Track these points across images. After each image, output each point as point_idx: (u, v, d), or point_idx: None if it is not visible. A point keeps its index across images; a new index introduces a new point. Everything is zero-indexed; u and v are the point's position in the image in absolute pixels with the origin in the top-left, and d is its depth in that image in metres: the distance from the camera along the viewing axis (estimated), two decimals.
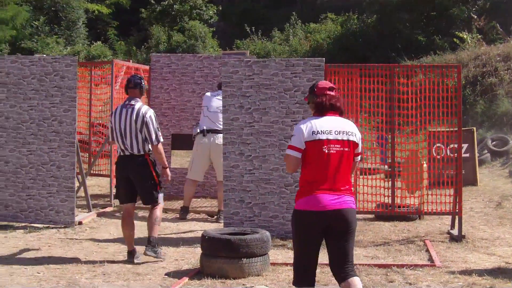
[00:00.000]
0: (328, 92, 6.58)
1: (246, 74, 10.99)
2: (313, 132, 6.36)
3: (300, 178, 6.50)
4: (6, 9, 33.66)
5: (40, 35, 35.05)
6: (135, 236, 9.73)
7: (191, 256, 9.73)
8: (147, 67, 15.86)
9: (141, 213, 13.15)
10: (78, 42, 36.25)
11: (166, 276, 8.69)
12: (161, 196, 9.66)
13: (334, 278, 6.56)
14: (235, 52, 25.41)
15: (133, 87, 9.62)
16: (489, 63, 24.64)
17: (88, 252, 10.07)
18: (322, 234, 6.36)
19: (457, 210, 11.08)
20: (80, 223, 11.96)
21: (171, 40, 35.09)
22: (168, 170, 9.87)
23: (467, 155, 16.74)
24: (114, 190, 13.70)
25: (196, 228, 11.94)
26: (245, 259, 8.53)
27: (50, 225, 11.71)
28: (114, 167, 13.99)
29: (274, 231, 10.49)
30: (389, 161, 11.76)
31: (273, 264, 9.04)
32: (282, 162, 10.35)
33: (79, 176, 13.15)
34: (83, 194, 13.19)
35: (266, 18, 39.55)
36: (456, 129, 11.36)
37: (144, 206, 12.61)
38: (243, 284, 8.28)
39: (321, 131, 6.36)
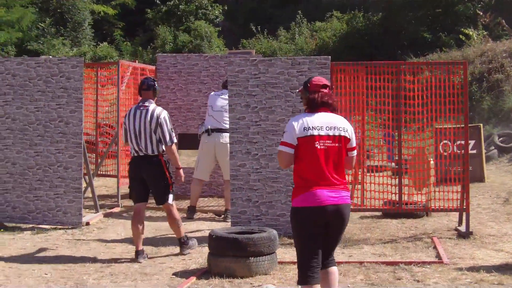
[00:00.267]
0: (322, 90, 6.64)
1: (252, 73, 10.98)
2: (304, 128, 6.44)
3: (294, 174, 6.56)
4: (12, 11, 33.71)
5: (46, 36, 35.12)
6: (146, 236, 9.76)
7: (199, 256, 9.73)
8: (153, 67, 15.88)
9: (147, 213, 13.18)
10: (84, 44, 36.33)
11: (174, 276, 8.70)
12: (171, 196, 9.74)
13: None
14: (241, 52, 25.40)
15: (146, 88, 9.75)
16: (495, 59, 24.64)
17: (96, 252, 10.08)
18: (322, 228, 6.43)
19: (464, 207, 11.05)
20: (87, 223, 11.97)
21: (177, 40, 35.13)
22: (181, 170, 9.95)
23: (474, 151, 16.72)
24: (121, 191, 13.78)
25: (203, 227, 11.93)
26: (252, 258, 8.53)
27: (58, 226, 11.72)
28: (121, 167, 14.05)
29: (281, 230, 10.48)
30: (396, 158, 11.74)
31: (281, 262, 9.03)
32: None
33: (86, 177, 13.16)
34: (90, 195, 13.21)
35: (272, 16, 39.54)
36: (463, 125, 11.34)
37: (151, 206, 12.71)
38: (251, 283, 8.28)
39: (313, 127, 6.44)
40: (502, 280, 8.23)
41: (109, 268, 9.16)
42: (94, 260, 9.58)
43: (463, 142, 11.50)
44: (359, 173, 12.42)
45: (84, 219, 12.01)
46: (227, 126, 12.19)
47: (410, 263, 9.09)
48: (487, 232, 11.14)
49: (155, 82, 9.87)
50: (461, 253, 9.74)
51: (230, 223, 11.24)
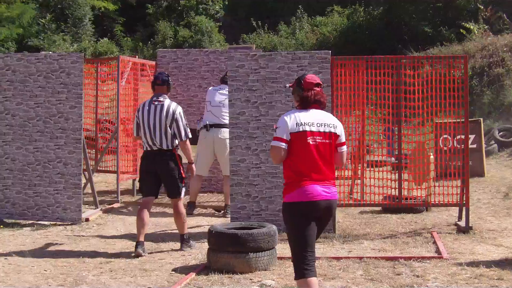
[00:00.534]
0: (315, 88, 6.75)
1: (252, 68, 10.98)
2: (297, 124, 6.54)
3: (284, 170, 6.65)
4: (13, 7, 33.73)
5: (46, 32, 35.13)
6: (146, 232, 9.77)
7: (198, 251, 9.73)
8: (153, 62, 15.86)
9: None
10: (84, 39, 36.31)
11: (173, 272, 8.69)
12: (184, 190, 9.95)
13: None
14: (241, 47, 25.37)
15: (161, 83, 9.96)
16: (496, 53, 24.61)
17: (95, 248, 10.08)
18: (315, 222, 6.51)
19: (464, 202, 11.04)
20: (87, 219, 11.97)
21: (178, 36, 35.13)
22: (194, 165, 10.17)
23: (474, 146, 16.70)
24: (121, 187, 13.77)
25: (203, 223, 11.94)
26: (252, 254, 8.52)
27: (57, 222, 11.73)
28: (120, 163, 14.03)
29: (281, 225, 10.41)
30: (396, 153, 11.72)
31: (280, 258, 9.03)
32: None
33: (86, 173, 13.15)
34: (90, 191, 13.19)
35: (273, 10, 39.49)
36: (463, 120, 11.32)
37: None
38: (250, 279, 8.28)
39: (305, 123, 6.55)
40: (502, 275, 8.22)
41: (109, 264, 9.16)
42: (93, 256, 9.58)
43: (463, 136, 11.49)
44: (359, 168, 12.42)
45: (84, 215, 12.00)
46: (226, 121, 12.20)
47: (409, 258, 9.08)
48: (487, 227, 11.14)
49: (169, 78, 10.09)
50: (461, 248, 9.73)
51: (229, 218, 11.23)
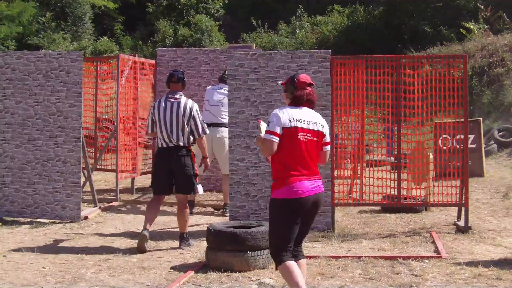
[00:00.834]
0: (307, 88, 7.00)
1: (252, 67, 10.98)
2: (289, 120, 6.78)
3: (273, 163, 6.86)
4: (13, 6, 33.72)
5: (46, 31, 35.09)
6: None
7: (197, 250, 9.74)
8: (153, 61, 15.86)
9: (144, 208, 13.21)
10: (84, 38, 36.28)
11: (172, 270, 8.70)
12: (200, 187, 10.15)
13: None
14: (241, 46, 25.37)
15: (176, 81, 10.18)
16: (495, 53, 24.62)
17: (94, 246, 10.08)
18: (301, 217, 6.78)
19: (463, 201, 11.03)
20: (86, 218, 11.97)
21: (178, 34, 35.11)
22: (207, 160, 10.38)
23: (474, 146, 16.71)
24: (120, 185, 13.77)
25: (202, 221, 11.95)
26: (250, 252, 8.53)
27: (56, 220, 11.73)
28: (120, 162, 14.03)
29: None
30: (395, 152, 11.72)
31: None
32: None
33: (85, 171, 13.15)
34: (89, 189, 13.19)
35: (273, 10, 39.48)
36: (463, 120, 11.32)
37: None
38: (249, 277, 8.28)
39: (296, 119, 6.80)
40: (500, 275, 8.22)
41: (107, 262, 9.16)
42: (92, 254, 9.59)
43: (462, 136, 11.48)
44: (358, 167, 12.41)
45: (83, 213, 12.01)
46: (224, 120, 12.23)
47: (408, 257, 9.08)
48: (486, 227, 11.14)
49: (184, 75, 10.28)
50: (460, 248, 9.73)
51: (228, 217, 11.23)
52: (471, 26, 27.99)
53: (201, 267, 8.71)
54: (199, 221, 11.96)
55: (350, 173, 12.81)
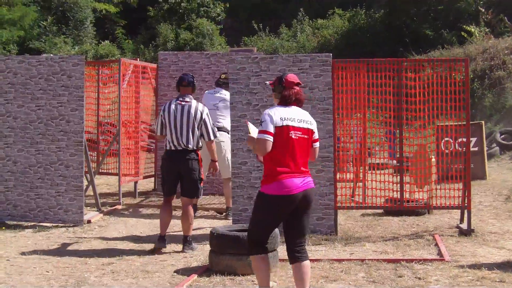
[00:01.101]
0: (295, 87, 7.21)
1: (253, 71, 10.99)
2: (281, 118, 6.95)
3: (265, 162, 7.00)
4: (14, 10, 33.75)
5: (48, 35, 35.16)
6: (148, 234, 9.78)
7: (200, 253, 9.75)
8: (154, 65, 15.88)
9: (149, 211, 13.22)
10: (86, 42, 36.35)
11: (175, 274, 8.70)
12: (201, 191, 10.27)
13: (289, 259, 7.11)
14: (243, 49, 25.37)
15: (186, 85, 10.23)
16: (497, 56, 24.60)
17: (97, 250, 10.08)
18: (288, 213, 6.99)
19: (466, 204, 11.03)
20: (88, 221, 11.98)
21: (179, 38, 35.14)
22: (216, 163, 10.50)
23: (476, 149, 16.71)
24: (122, 189, 13.78)
25: (205, 225, 11.94)
26: None
27: (59, 224, 11.74)
28: (122, 165, 14.04)
29: (282, 227, 10.44)
30: (398, 156, 11.72)
31: (282, 260, 8.99)
32: None
33: (88, 175, 13.16)
34: (91, 193, 13.19)
35: (274, 11, 39.50)
36: (465, 123, 11.31)
37: (153, 204, 12.74)
38: (252, 281, 8.28)
39: (287, 118, 6.99)
40: (503, 277, 8.22)
41: (110, 265, 9.16)
42: (95, 257, 9.58)
43: (464, 139, 11.48)
44: (361, 170, 12.41)
45: (86, 217, 12.01)
46: (221, 124, 12.28)
47: (411, 260, 9.08)
48: (488, 230, 11.14)
49: (194, 79, 10.35)
50: (463, 251, 9.73)
51: (231, 220, 11.24)
52: (472, 29, 27.97)
53: (205, 271, 8.71)
54: (202, 225, 11.96)
55: (352, 176, 12.80)
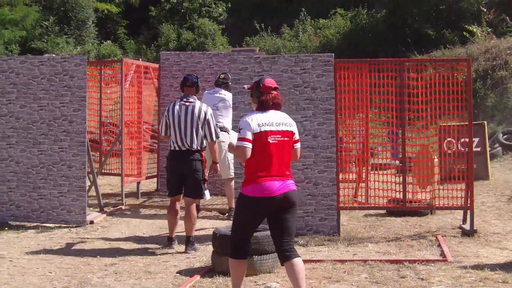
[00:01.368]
0: (272, 92, 7.28)
1: (255, 71, 10.98)
2: (258, 125, 7.06)
3: (246, 166, 7.11)
4: (16, 10, 33.73)
5: (50, 35, 35.15)
6: (151, 234, 9.78)
7: (203, 254, 9.75)
8: (156, 65, 15.88)
9: (153, 211, 13.22)
10: (88, 42, 36.34)
11: (178, 274, 8.70)
12: (207, 192, 10.26)
13: (280, 260, 7.15)
14: (245, 49, 25.37)
15: (190, 85, 10.31)
16: (499, 56, 24.55)
17: (100, 251, 10.08)
18: (267, 215, 7.11)
19: (468, 205, 11.03)
20: (91, 222, 11.98)
21: (181, 38, 35.14)
22: (217, 165, 10.52)
23: (478, 149, 16.69)
24: (125, 189, 13.78)
25: (208, 225, 11.95)
26: (256, 257, 8.53)
27: (62, 225, 11.74)
28: (125, 166, 14.04)
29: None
30: (400, 156, 11.71)
31: None
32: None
33: (90, 176, 13.16)
34: (94, 194, 13.19)
35: (277, 10, 39.47)
36: (467, 123, 11.31)
37: (156, 205, 12.73)
38: (255, 282, 8.28)
39: (265, 123, 7.08)
40: (506, 278, 8.21)
41: (113, 266, 9.17)
42: (98, 258, 9.59)
43: (467, 139, 11.48)
44: (363, 171, 12.40)
45: (88, 218, 12.01)
46: (221, 124, 12.24)
47: (414, 261, 9.07)
48: (491, 230, 11.13)
49: (198, 80, 10.41)
50: (466, 251, 9.73)
51: None
52: (474, 29, 27.92)
53: (207, 272, 8.72)
54: (204, 225, 11.96)
55: (355, 176, 12.80)
